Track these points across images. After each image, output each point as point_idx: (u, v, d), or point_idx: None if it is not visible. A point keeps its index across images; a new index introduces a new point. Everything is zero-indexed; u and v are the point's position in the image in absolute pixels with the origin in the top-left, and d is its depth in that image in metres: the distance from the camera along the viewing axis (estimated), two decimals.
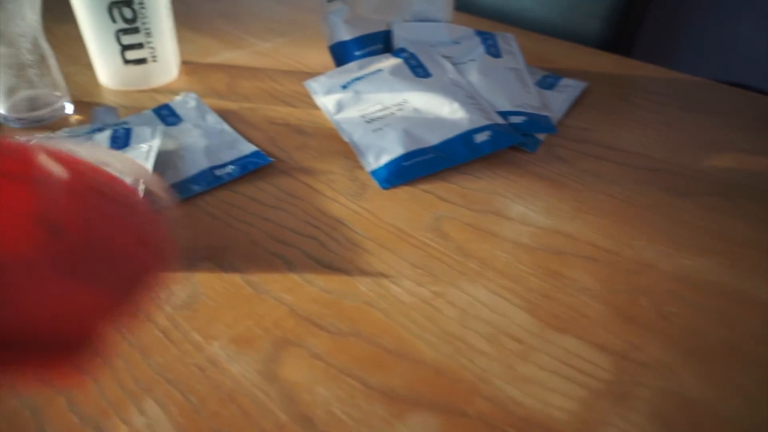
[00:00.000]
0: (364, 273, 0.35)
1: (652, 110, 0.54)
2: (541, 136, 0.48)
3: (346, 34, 0.54)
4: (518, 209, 0.41)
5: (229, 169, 0.44)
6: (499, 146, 0.46)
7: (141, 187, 0.25)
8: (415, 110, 0.48)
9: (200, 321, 0.32)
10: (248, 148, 0.46)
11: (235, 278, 0.35)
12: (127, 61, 0.54)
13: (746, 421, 0.27)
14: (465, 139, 0.45)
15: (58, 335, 0.20)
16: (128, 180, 0.24)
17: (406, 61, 0.53)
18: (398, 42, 0.56)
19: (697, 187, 0.43)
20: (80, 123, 0.51)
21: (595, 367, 0.30)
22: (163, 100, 0.54)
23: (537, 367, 0.30)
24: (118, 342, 0.31)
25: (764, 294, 0.34)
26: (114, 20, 0.51)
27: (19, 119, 0.50)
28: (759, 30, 1.08)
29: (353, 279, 0.35)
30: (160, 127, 0.45)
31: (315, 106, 0.53)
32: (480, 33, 0.58)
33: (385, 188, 0.43)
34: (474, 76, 0.52)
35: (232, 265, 0.36)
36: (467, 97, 0.49)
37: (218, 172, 0.43)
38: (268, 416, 0.27)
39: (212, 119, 0.50)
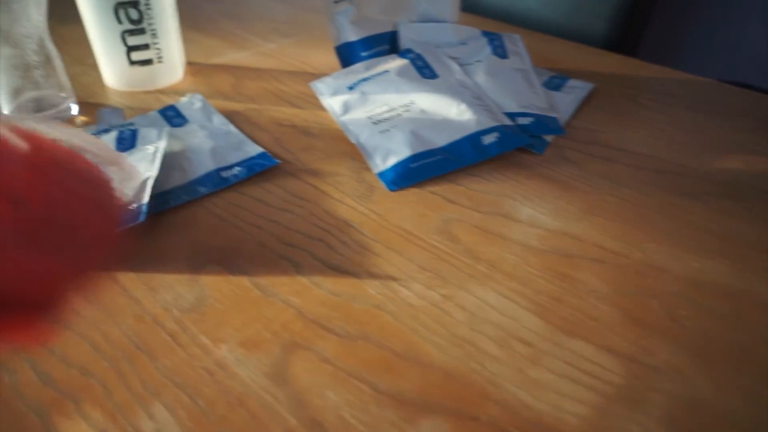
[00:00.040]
0: (372, 276, 0.35)
1: (659, 111, 0.53)
2: (549, 138, 0.48)
3: (352, 35, 0.54)
4: (527, 211, 0.40)
5: (236, 170, 0.44)
6: (506, 148, 0.45)
7: (106, 165, 0.27)
8: (422, 111, 0.48)
9: (208, 324, 0.32)
10: (254, 149, 0.46)
11: (243, 281, 0.35)
12: (132, 62, 0.54)
13: (760, 426, 0.27)
14: (473, 140, 0.45)
15: (19, 300, 0.21)
16: (94, 158, 0.26)
17: (413, 62, 0.53)
18: (404, 43, 0.56)
19: (706, 189, 0.43)
20: (86, 124, 0.51)
21: (606, 371, 0.29)
22: (168, 101, 0.54)
23: (548, 371, 0.29)
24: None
25: None
26: (120, 21, 0.51)
27: None
28: (765, 30, 1.08)
29: (362, 282, 0.34)
30: (166, 128, 0.45)
31: (321, 107, 0.53)
32: (486, 34, 0.58)
33: (392, 190, 0.42)
34: (481, 77, 0.52)
35: (239, 267, 0.36)
36: (474, 98, 0.49)
37: (225, 174, 0.43)
38: (277, 421, 0.27)
39: (218, 120, 0.50)
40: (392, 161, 0.44)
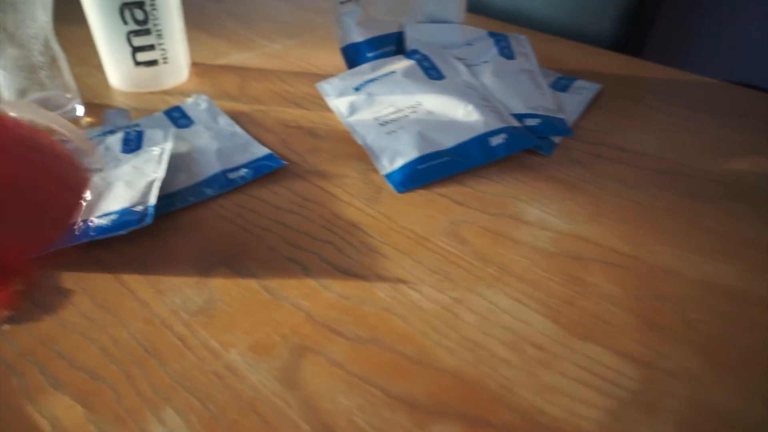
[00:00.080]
0: (381, 278, 0.35)
1: (667, 112, 0.53)
2: (557, 139, 0.48)
3: (358, 36, 0.54)
4: (536, 213, 0.40)
5: (243, 172, 0.43)
6: (514, 149, 0.45)
7: (66, 140, 0.28)
8: (429, 113, 0.47)
9: (217, 327, 0.32)
10: (261, 150, 0.46)
11: (252, 284, 0.34)
12: (138, 63, 0.54)
13: None
14: (480, 142, 0.45)
15: None
16: (55, 134, 0.27)
17: (419, 62, 0.52)
18: (410, 43, 0.56)
19: (716, 191, 0.42)
20: (91, 125, 0.51)
21: (621, 376, 0.29)
22: (174, 102, 0.54)
23: (561, 375, 0.29)
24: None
25: None
26: (125, 22, 0.51)
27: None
28: None
29: (371, 285, 0.34)
30: (172, 129, 0.45)
31: (327, 108, 0.53)
32: (493, 34, 0.57)
33: (400, 192, 0.42)
34: (488, 78, 0.52)
35: (248, 270, 0.35)
36: (481, 99, 0.49)
37: (231, 176, 0.43)
38: (289, 426, 0.27)
39: (224, 121, 0.50)
40: (399, 163, 0.44)
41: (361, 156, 0.46)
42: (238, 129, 0.49)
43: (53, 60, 0.48)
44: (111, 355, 0.30)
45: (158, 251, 0.37)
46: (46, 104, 0.49)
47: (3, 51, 0.45)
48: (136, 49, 0.53)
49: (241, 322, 0.32)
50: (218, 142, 0.46)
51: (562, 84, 0.55)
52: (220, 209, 0.40)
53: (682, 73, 0.61)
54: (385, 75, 0.51)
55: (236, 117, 0.51)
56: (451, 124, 0.46)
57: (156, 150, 0.42)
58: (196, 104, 0.52)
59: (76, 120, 0.51)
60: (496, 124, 0.46)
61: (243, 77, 0.59)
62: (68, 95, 0.50)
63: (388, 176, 0.43)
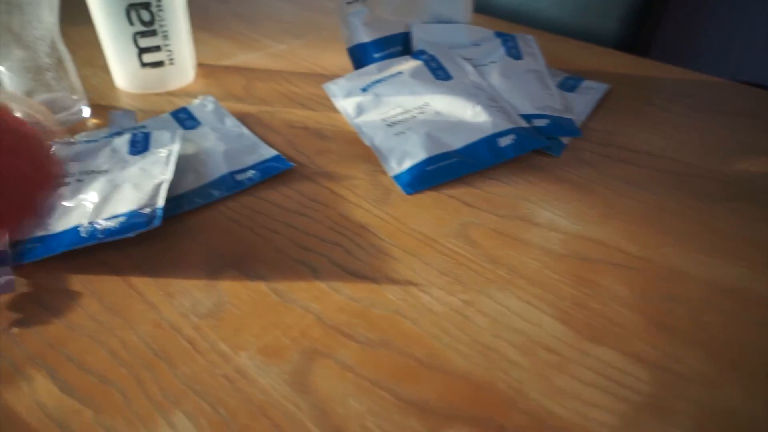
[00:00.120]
0: (391, 281, 0.34)
1: (675, 112, 0.53)
2: (566, 140, 0.48)
3: (365, 36, 0.54)
4: (545, 215, 0.40)
5: (250, 173, 0.43)
6: (523, 150, 0.45)
7: (33, 120, 0.29)
8: (437, 113, 0.47)
9: (227, 330, 0.31)
10: (268, 152, 0.45)
11: (261, 286, 0.34)
12: (144, 64, 0.54)
13: None
14: (489, 143, 0.44)
15: None
16: (20, 113, 0.28)
17: (426, 63, 0.52)
18: (417, 44, 0.56)
19: (726, 192, 0.42)
20: (97, 127, 0.51)
21: (633, 379, 0.29)
22: (180, 103, 0.54)
23: (574, 379, 0.29)
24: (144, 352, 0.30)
25: None
26: (131, 23, 0.51)
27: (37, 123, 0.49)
28: None
29: (381, 287, 0.34)
30: (179, 131, 0.45)
31: (334, 109, 0.53)
32: (500, 34, 0.57)
33: (408, 193, 0.42)
34: (495, 79, 0.52)
35: (257, 272, 0.35)
36: (489, 99, 0.48)
37: (239, 177, 0.43)
38: (300, 430, 0.26)
39: (231, 123, 0.50)
40: (408, 164, 0.43)
41: (369, 157, 0.46)
42: (245, 130, 0.48)
43: (59, 61, 0.48)
44: (120, 359, 0.30)
45: (166, 253, 0.37)
46: (52, 106, 0.49)
47: (9, 52, 0.45)
48: (142, 51, 0.53)
49: (250, 325, 0.32)
50: (225, 143, 0.46)
51: (569, 84, 0.55)
52: (228, 211, 0.40)
53: (689, 72, 0.60)
54: (392, 75, 0.51)
55: (243, 118, 0.51)
56: (460, 125, 0.46)
57: (163, 152, 0.42)
58: (202, 105, 0.52)
59: (82, 121, 0.51)
60: (505, 125, 0.46)
61: (249, 78, 0.59)
62: (75, 97, 0.50)
63: (397, 177, 0.43)
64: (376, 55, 0.54)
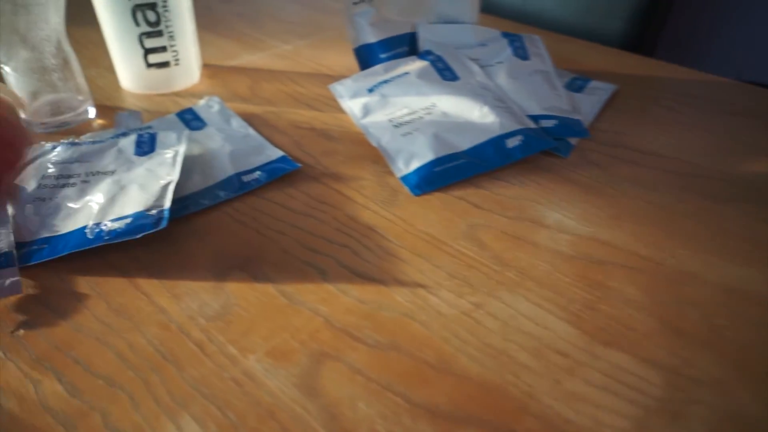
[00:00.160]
0: (400, 283, 0.34)
1: (683, 113, 0.52)
2: (573, 141, 0.47)
3: (371, 37, 0.53)
4: (554, 216, 0.40)
5: (257, 174, 0.43)
6: (531, 151, 0.44)
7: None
8: (444, 114, 0.47)
9: (234, 333, 0.31)
10: (275, 153, 0.45)
11: (268, 288, 0.34)
12: (149, 65, 0.53)
13: None
14: (496, 144, 0.44)
15: None
16: None
17: (433, 63, 0.52)
18: (423, 44, 0.55)
19: (736, 193, 0.42)
20: (103, 127, 0.50)
21: (647, 384, 0.28)
22: (185, 104, 0.54)
23: (585, 383, 0.29)
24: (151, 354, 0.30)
25: None
26: (137, 23, 0.50)
27: (42, 124, 0.49)
28: None
29: (389, 289, 0.34)
30: (186, 132, 0.44)
31: (340, 110, 0.52)
32: (506, 35, 0.57)
33: (416, 194, 0.42)
34: (502, 79, 0.51)
35: (264, 274, 0.35)
36: (496, 100, 0.48)
37: (246, 178, 0.42)
38: None
39: (236, 123, 0.49)
40: (415, 165, 0.43)
41: (376, 158, 0.45)
42: (251, 131, 0.48)
43: (65, 62, 0.48)
44: (128, 361, 0.30)
45: (173, 255, 0.36)
46: (58, 106, 0.49)
47: (15, 53, 0.45)
48: (148, 51, 0.53)
49: (258, 328, 0.31)
50: (231, 144, 0.46)
51: (576, 85, 0.55)
52: (235, 212, 0.40)
53: (696, 73, 0.60)
54: (399, 76, 0.50)
55: (248, 119, 0.51)
56: (467, 126, 0.46)
57: (169, 153, 0.42)
58: (208, 106, 0.51)
59: (88, 122, 0.51)
60: (512, 126, 0.45)
61: (254, 78, 0.59)
62: (80, 97, 0.50)
63: (404, 179, 0.43)
64: (383, 56, 0.54)
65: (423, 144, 0.44)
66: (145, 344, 0.30)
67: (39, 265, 0.36)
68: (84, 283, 0.34)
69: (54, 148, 0.44)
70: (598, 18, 0.85)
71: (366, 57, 0.54)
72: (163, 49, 0.53)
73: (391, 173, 0.44)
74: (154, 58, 0.53)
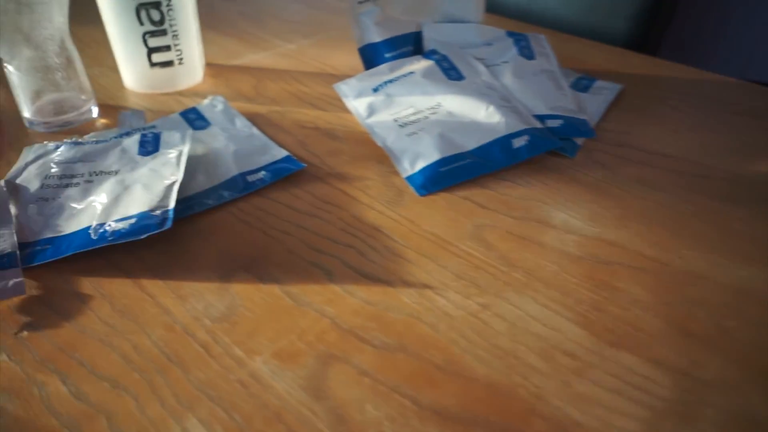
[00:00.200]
0: (406, 284, 0.34)
1: (690, 113, 0.52)
2: (580, 141, 0.47)
3: (376, 36, 0.53)
4: (561, 217, 0.39)
5: (261, 174, 0.43)
6: (537, 151, 0.44)
7: None
8: (450, 114, 0.47)
9: (240, 334, 0.31)
10: (279, 152, 0.45)
11: (274, 289, 0.34)
12: (153, 64, 0.53)
13: None
14: (503, 144, 0.44)
15: None
16: None
17: (438, 63, 0.52)
18: (428, 44, 0.55)
19: (744, 193, 0.41)
20: (106, 127, 0.50)
21: (656, 385, 0.28)
22: (189, 103, 0.53)
23: (594, 384, 0.28)
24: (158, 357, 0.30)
25: None
26: (141, 22, 0.50)
27: (45, 123, 0.49)
28: None
29: (396, 290, 0.33)
30: (190, 131, 0.44)
31: (344, 109, 0.52)
32: (512, 34, 0.57)
33: (422, 195, 0.41)
34: (508, 79, 0.51)
35: (269, 275, 0.35)
36: (502, 100, 0.48)
37: (250, 178, 0.42)
38: None
39: (241, 123, 0.49)
40: (421, 165, 0.43)
41: (381, 158, 0.45)
42: (255, 130, 0.48)
43: (69, 61, 0.48)
44: (133, 363, 0.29)
45: (177, 255, 0.36)
46: (61, 105, 0.49)
47: (19, 52, 0.45)
48: (151, 50, 0.52)
49: (264, 329, 0.31)
50: (235, 144, 0.45)
51: (582, 84, 0.54)
52: (239, 212, 0.40)
53: (702, 72, 0.60)
54: (404, 75, 0.50)
55: (252, 118, 0.50)
56: (473, 126, 0.45)
57: (173, 152, 0.42)
58: (211, 105, 0.51)
59: (91, 121, 0.51)
60: (518, 126, 0.45)
61: (258, 78, 0.59)
62: (83, 97, 0.50)
63: (410, 179, 0.42)
64: (388, 55, 0.54)
65: (428, 144, 0.44)
66: (150, 346, 0.30)
67: (42, 265, 0.35)
68: (88, 284, 0.34)
69: (57, 147, 0.44)
70: (601, 17, 0.85)
71: (371, 56, 0.54)
72: (167, 48, 0.53)
73: (396, 173, 0.44)
74: (157, 57, 0.53)
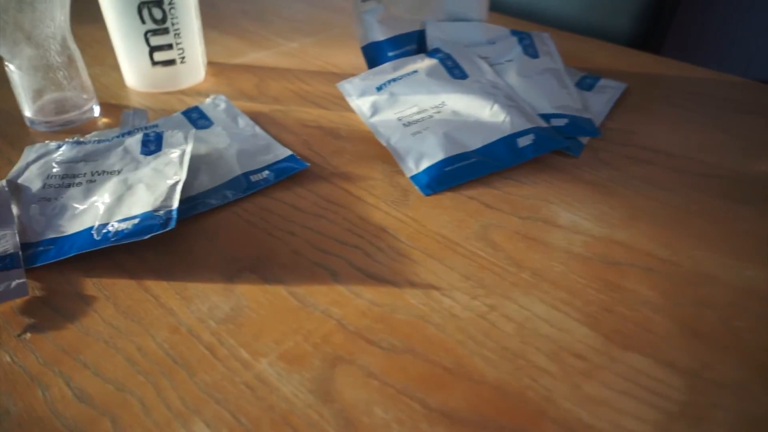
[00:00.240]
0: (413, 285, 0.34)
1: (695, 111, 0.52)
2: (584, 140, 0.47)
3: (380, 35, 0.53)
4: (567, 216, 0.39)
5: (265, 174, 0.42)
6: (542, 150, 0.44)
7: None
8: (454, 113, 0.46)
9: (246, 336, 0.31)
10: (283, 152, 0.45)
11: (280, 290, 0.33)
12: (155, 63, 0.53)
13: None
14: (508, 143, 0.44)
15: None
16: None
17: (442, 61, 0.51)
18: (432, 42, 0.55)
19: (752, 193, 0.41)
20: (108, 126, 0.50)
21: (666, 387, 0.28)
22: (191, 102, 0.53)
23: (604, 386, 0.28)
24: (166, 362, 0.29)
25: None
26: (143, 21, 0.50)
27: (46, 122, 0.48)
28: None
29: (402, 291, 0.33)
30: (192, 130, 0.44)
31: (348, 108, 0.52)
32: (516, 32, 0.56)
33: (427, 194, 0.41)
34: (512, 78, 0.51)
35: (274, 275, 0.34)
36: (507, 99, 0.48)
37: (254, 178, 0.42)
38: None
39: (243, 122, 0.49)
40: (425, 164, 0.42)
41: (386, 157, 0.45)
42: (258, 130, 0.48)
43: (70, 60, 0.47)
44: (137, 365, 0.29)
45: (181, 256, 0.36)
46: (62, 105, 0.48)
47: (20, 51, 0.44)
48: (153, 49, 0.52)
49: (270, 331, 0.31)
50: (239, 143, 0.45)
51: (587, 83, 0.54)
52: (243, 212, 0.40)
53: (707, 71, 0.59)
54: (408, 74, 0.50)
55: (255, 117, 0.50)
56: (477, 125, 0.45)
57: (176, 152, 0.41)
58: (214, 104, 0.51)
59: (93, 121, 0.50)
60: (524, 125, 0.45)
61: (260, 77, 0.58)
62: (85, 96, 0.49)
63: (414, 178, 0.42)
64: (391, 54, 0.53)
65: (433, 143, 0.43)
66: (155, 348, 0.30)
67: (45, 266, 0.35)
68: (91, 285, 0.34)
69: (59, 147, 0.43)
70: (604, 16, 0.84)
71: (374, 55, 0.54)
72: (169, 46, 0.52)
73: (401, 173, 0.43)
74: (159, 56, 0.53)
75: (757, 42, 1.10)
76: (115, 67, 0.58)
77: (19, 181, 0.41)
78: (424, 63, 0.51)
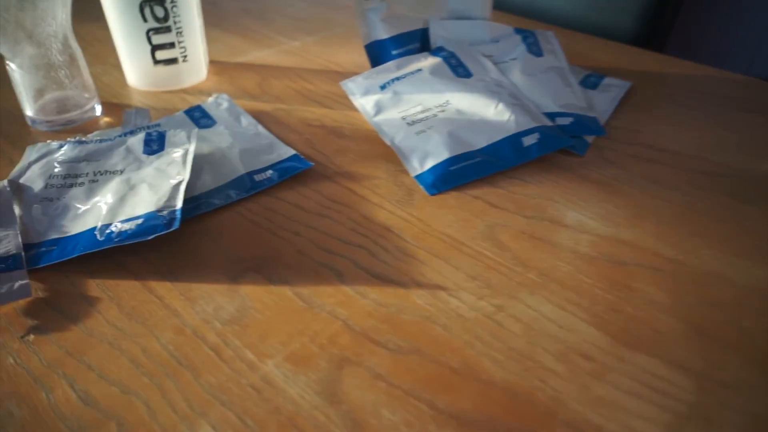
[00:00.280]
0: (419, 285, 0.33)
1: (700, 110, 0.51)
2: (589, 139, 0.46)
3: (383, 33, 0.52)
4: (573, 216, 0.39)
5: (269, 173, 0.42)
6: (547, 149, 0.44)
7: None
8: (459, 112, 0.46)
9: (251, 337, 0.30)
10: (286, 151, 0.44)
11: (285, 291, 0.33)
12: (157, 62, 0.52)
13: None
14: (513, 142, 0.43)
15: None
16: None
17: (446, 60, 0.51)
18: (435, 41, 0.55)
19: (759, 192, 0.41)
20: (110, 125, 0.50)
21: (676, 388, 0.28)
22: (193, 101, 0.53)
23: (614, 387, 0.28)
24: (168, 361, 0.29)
25: None
26: (145, 19, 0.50)
27: (48, 122, 0.48)
28: None
29: (408, 291, 0.33)
30: (195, 130, 0.44)
31: (351, 107, 0.51)
32: (520, 31, 0.56)
33: (432, 194, 0.41)
34: (517, 76, 0.50)
35: (279, 276, 0.34)
36: (511, 97, 0.47)
37: (257, 177, 0.42)
38: None
39: (246, 121, 0.48)
40: (430, 164, 0.42)
41: (390, 156, 0.45)
42: (261, 129, 0.47)
43: (72, 59, 0.47)
44: (142, 367, 0.29)
45: (185, 256, 0.36)
46: (64, 104, 0.48)
47: (21, 50, 0.44)
48: (155, 47, 0.52)
49: (276, 332, 0.31)
50: (242, 142, 0.45)
51: (591, 81, 0.54)
52: (247, 212, 0.39)
53: (711, 69, 0.59)
54: (412, 73, 0.50)
55: (258, 116, 0.50)
56: (482, 124, 0.45)
57: (179, 151, 0.41)
58: (216, 103, 0.51)
59: (94, 120, 0.50)
60: (529, 124, 0.44)
61: (263, 75, 0.58)
62: (87, 95, 0.49)
63: (419, 177, 0.42)
64: (394, 52, 0.53)
65: (438, 142, 0.43)
66: (159, 349, 0.30)
67: (48, 267, 0.35)
68: (94, 286, 0.34)
69: (61, 146, 0.43)
70: (607, 14, 0.84)
71: (377, 53, 0.54)
72: (171, 45, 0.52)
73: (405, 172, 0.43)
74: (161, 55, 0.52)
75: (760, 40, 1.10)
76: (117, 65, 0.57)
77: (21, 181, 0.40)
78: (427, 61, 0.51)
